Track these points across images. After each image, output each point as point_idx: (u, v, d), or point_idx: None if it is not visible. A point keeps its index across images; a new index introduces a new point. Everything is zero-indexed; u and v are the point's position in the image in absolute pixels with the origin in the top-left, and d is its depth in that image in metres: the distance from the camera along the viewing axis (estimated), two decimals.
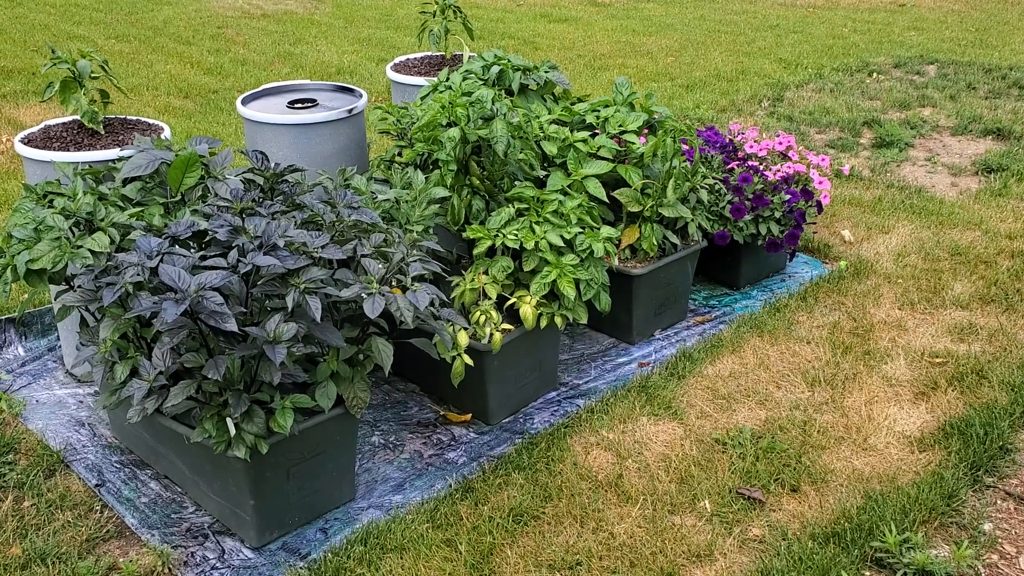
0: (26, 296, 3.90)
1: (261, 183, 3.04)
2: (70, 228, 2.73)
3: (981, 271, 4.27)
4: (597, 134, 3.74)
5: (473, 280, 3.21)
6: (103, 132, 3.43)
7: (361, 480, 2.98)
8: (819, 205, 4.21)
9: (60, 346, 3.65)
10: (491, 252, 3.32)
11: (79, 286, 2.60)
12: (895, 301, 4.03)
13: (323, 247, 2.56)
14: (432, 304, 2.67)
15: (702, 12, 10.31)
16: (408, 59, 4.55)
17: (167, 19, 9.50)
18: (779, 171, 4.19)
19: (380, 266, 2.63)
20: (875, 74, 7.59)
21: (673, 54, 8.41)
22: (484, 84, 3.74)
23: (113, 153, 3.22)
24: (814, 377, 3.48)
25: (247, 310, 2.50)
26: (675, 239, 3.71)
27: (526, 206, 3.35)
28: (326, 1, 10.48)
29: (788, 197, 4.03)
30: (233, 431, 2.45)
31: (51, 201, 2.88)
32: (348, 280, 2.60)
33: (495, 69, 3.82)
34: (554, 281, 3.17)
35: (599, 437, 3.14)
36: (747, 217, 3.96)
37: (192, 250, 2.67)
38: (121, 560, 2.65)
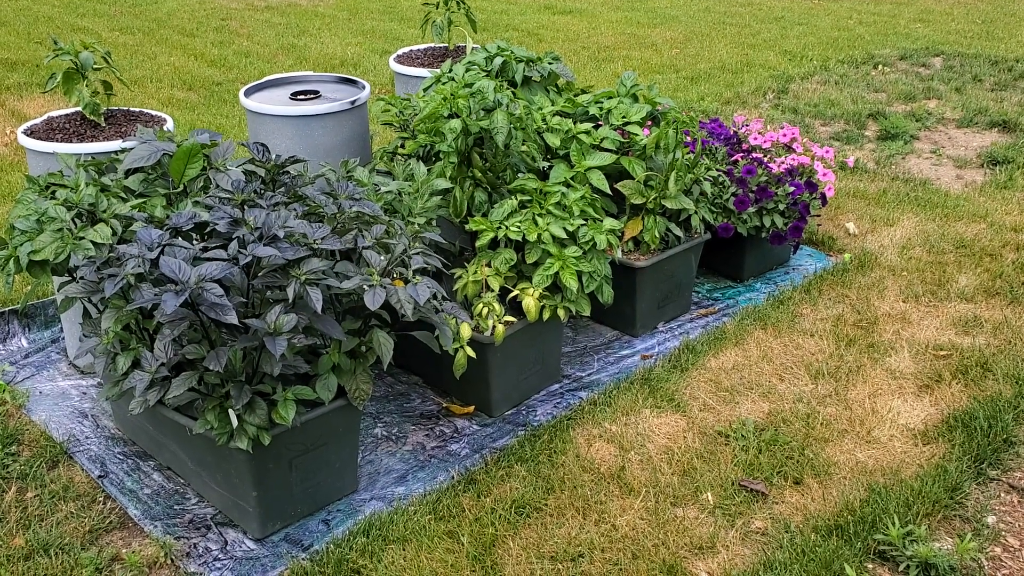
0: (29, 287, 3.91)
1: (262, 175, 3.04)
2: (72, 219, 2.73)
3: (986, 264, 4.25)
4: (600, 126, 3.73)
5: (476, 272, 3.21)
6: (104, 124, 3.43)
7: (364, 472, 2.98)
8: (823, 197, 4.19)
9: (63, 337, 3.65)
10: (494, 244, 3.31)
11: (81, 277, 2.60)
12: (899, 294, 4.02)
13: (323, 238, 2.55)
14: (434, 298, 2.67)
15: (707, 4, 10.28)
16: (411, 51, 4.54)
17: (171, 11, 9.50)
18: (783, 163, 4.17)
19: (381, 258, 2.62)
20: (880, 66, 7.56)
21: (678, 46, 8.39)
22: (487, 76, 3.73)
23: (115, 144, 3.21)
24: (818, 370, 3.48)
25: (248, 301, 2.50)
26: (679, 231, 3.70)
27: (529, 198, 3.34)
28: None
29: (792, 189, 4.01)
30: (235, 423, 2.45)
31: (53, 192, 2.88)
32: (349, 272, 2.59)
33: (498, 61, 3.81)
34: (557, 273, 3.16)
35: (602, 429, 3.14)
36: (751, 209, 3.94)
37: (195, 241, 2.67)
38: (124, 551, 2.65)
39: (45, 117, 3.50)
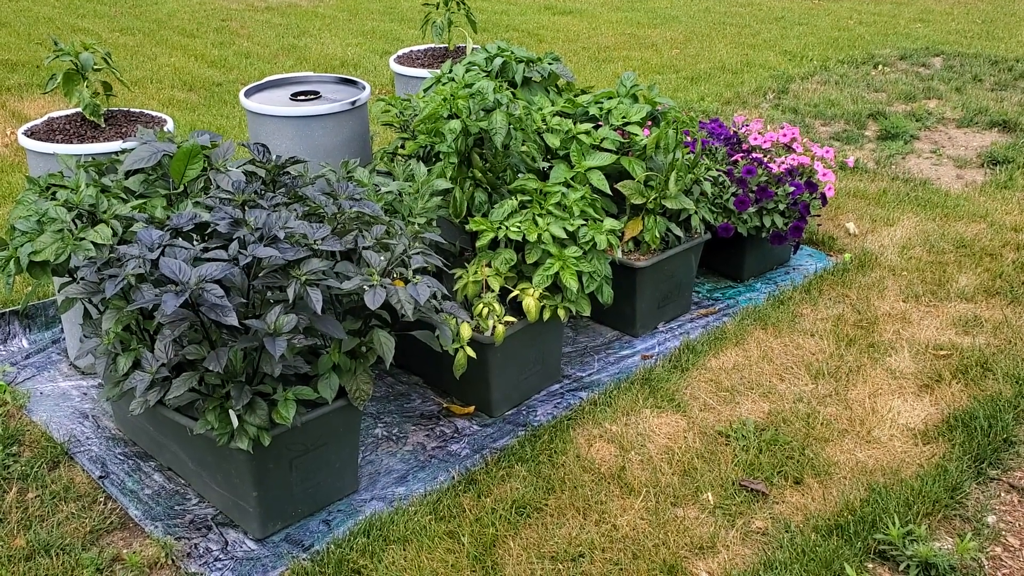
0: (30, 288, 3.91)
1: (263, 175, 3.04)
2: (73, 220, 2.73)
3: (986, 264, 4.25)
4: (600, 126, 3.73)
5: (476, 272, 3.21)
6: (104, 124, 3.43)
7: (364, 472, 2.98)
8: (823, 197, 4.19)
9: (64, 338, 3.65)
10: (494, 244, 3.31)
11: (82, 278, 2.61)
12: (900, 294, 4.02)
13: (323, 239, 2.56)
14: (434, 297, 2.67)
15: (707, 4, 10.28)
16: (412, 51, 4.54)
17: (171, 12, 9.50)
18: (783, 163, 4.17)
19: (381, 258, 2.63)
20: (880, 66, 7.57)
21: (678, 46, 8.39)
22: (487, 76, 3.73)
23: (116, 145, 3.22)
24: (818, 370, 3.48)
25: (248, 302, 2.50)
26: (679, 231, 3.70)
27: (529, 198, 3.34)
28: None
29: (792, 189, 4.02)
30: (236, 423, 2.45)
31: (54, 193, 2.88)
32: (349, 272, 2.59)
33: (498, 61, 3.82)
34: (557, 273, 3.16)
35: (602, 429, 3.14)
36: (751, 209, 3.95)
37: (195, 242, 2.68)
38: (125, 552, 2.65)
39: (45, 118, 3.50)
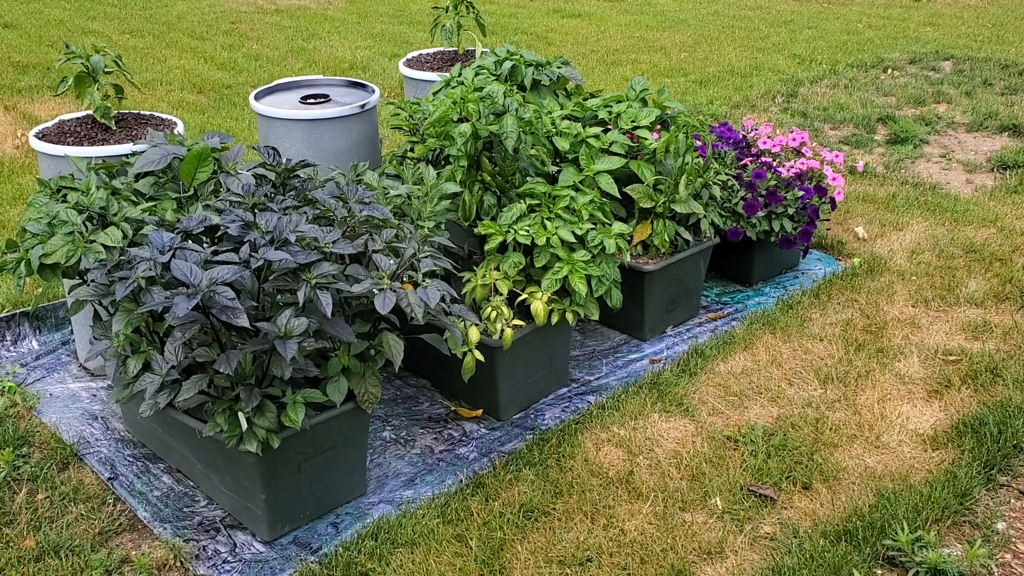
0: (40, 290, 3.93)
1: (273, 178, 3.05)
2: (83, 222, 2.75)
3: (996, 268, 4.24)
4: (609, 130, 3.74)
5: (484, 276, 3.21)
6: (115, 127, 3.44)
7: (372, 475, 2.99)
8: (832, 202, 4.19)
9: (74, 340, 3.66)
10: (502, 248, 3.31)
11: (92, 280, 2.62)
12: (909, 298, 4.01)
13: (334, 242, 2.56)
14: (443, 300, 2.68)
15: (716, 8, 10.27)
16: (421, 54, 4.55)
17: (181, 14, 9.53)
18: (792, 167, 4.17)
19: (391, 262, 2.63)
20: (890, 70, 7.55)
21: (687, 50, 8.38)
22: (496, 80, 3.74)
23: (126, 148, 3.23)
24: (827, 374, 3.47)
25: (259, 304, 2.51)
26: (687, 235, 3.70)
27: (538, 202, 3.34)
28: None
29: (801, 193, 4.01)
30: (245, 425, 2.46)
31: (65, 196, 2.89)
32: (359, 276, 2.60)
33: (507, 64, 3.82)
34: (565, 277, 3.17)
35: (610, 434, 3.14)
36: (760, 213, 3.94)
37: (205, 245, 2.68)
38: (134, 553, 2.66)
39: (56, 120, 3.52)
